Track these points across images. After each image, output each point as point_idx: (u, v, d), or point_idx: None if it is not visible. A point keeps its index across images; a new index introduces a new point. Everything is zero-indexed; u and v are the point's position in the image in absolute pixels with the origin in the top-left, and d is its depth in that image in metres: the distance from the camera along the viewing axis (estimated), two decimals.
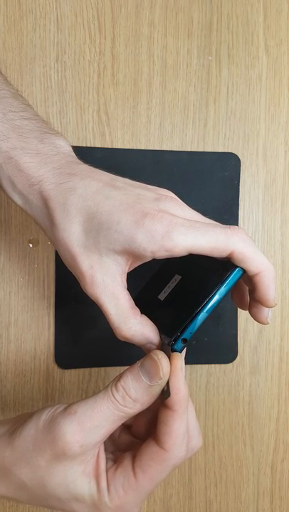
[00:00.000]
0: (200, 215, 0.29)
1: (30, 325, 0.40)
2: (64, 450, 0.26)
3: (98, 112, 0.41)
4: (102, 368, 0.42)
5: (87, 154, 0.40)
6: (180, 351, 0.27)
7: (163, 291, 0.32)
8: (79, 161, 0.31)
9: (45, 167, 0.29)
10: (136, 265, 0.29)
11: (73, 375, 0.41)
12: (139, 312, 0.29)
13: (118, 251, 0.27)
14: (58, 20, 0.41)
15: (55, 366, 0.41)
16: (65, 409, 0.27)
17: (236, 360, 0.43)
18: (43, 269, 0.41)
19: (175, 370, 0.27)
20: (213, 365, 0.43)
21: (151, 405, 0.29)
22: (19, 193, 0.29)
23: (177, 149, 0.42)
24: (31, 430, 0.28)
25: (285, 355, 0.44)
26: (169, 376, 0.27)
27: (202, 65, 0.42)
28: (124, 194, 0.28)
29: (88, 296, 0.29)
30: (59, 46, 0.41)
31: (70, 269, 0.29)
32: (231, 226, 0.27)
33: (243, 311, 0.43)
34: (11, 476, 0.28)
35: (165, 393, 0.27)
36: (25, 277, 0.40)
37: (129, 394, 0.27)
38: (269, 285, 0.28)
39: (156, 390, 0.27)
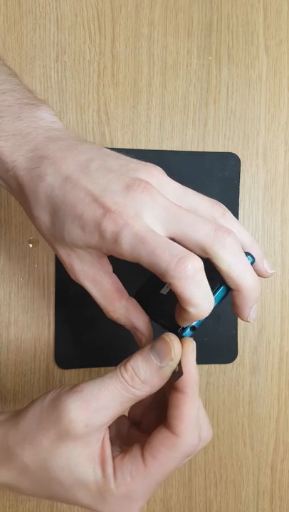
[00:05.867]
0: (183, 206, 0.27)
1: (30, 325, 0.40)
2: (68, 429, 0.25)
3: (98, 112, 0.41)
4: (102, 368, 0.42)
5: None
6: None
7: (165, 286, 0.32)
8: (60, 133, 0.29)
9: (19, 150, 0.28)
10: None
11: (73, 375, 0.41)
12: (126, 295, 0.29)
13: (82, 246, 0.27)
14: (58, 20, 0.41)
15: (55, 366, 0.41)
16: (72, 387, 0.27)
17: (236, 360, 0.43)
18: (42, 269, 0.41)
19: (186, 352, 0.26)
20: (213, 365, 0.43)
21: (162, 400, 0.28)
22: (0, 178, 0.29)
23: (177, 149, 0.42)
24: (36, 410, 0.27)
25: (285, 355, 0.44)
26: (181, 357, 0.26)
27: (202, 65, 0.42)
28: (93, 183, 0.26)
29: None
30: (59, 46, 0.41)
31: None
32: (184, 256, 0.24)
33: None
34: (13, 458, 0.27)
35: (176, 374, 0.26)
36: (25, 277, 0.40)
37: (138, 374, 0.26)
38: (245, 304, 0.27)
39: (167, 371, 0.26)
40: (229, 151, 0.43)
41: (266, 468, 0.44)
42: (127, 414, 0.32)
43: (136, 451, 0.27)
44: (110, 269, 0.29)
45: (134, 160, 0.28)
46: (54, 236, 0.27)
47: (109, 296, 0.28)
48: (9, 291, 0.40)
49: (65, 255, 0.28)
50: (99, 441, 0.26)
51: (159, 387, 0.27)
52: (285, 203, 0.44)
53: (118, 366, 0.27)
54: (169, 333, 0.27)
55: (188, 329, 0.27)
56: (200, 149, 0.42)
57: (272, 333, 0.43)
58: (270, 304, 0.43)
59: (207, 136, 0.43)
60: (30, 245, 0.41)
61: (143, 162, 0.27)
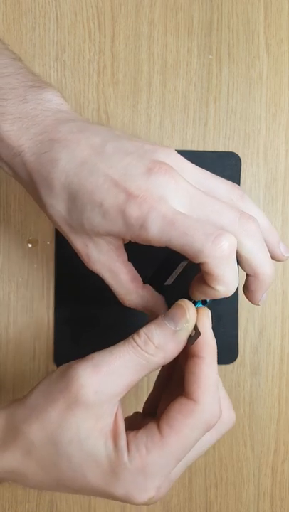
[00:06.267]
0: (202, 188, 0.26)
1: (29, 325, 0.40)
2: (77, 396, 0.24)
3: (98, 111, 0.41)
4: None
5: None
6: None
7: (170, 277, 0.31)
8: (69, 115, 0.28)
9: (26, 134, 0.26)
10: (128, 240, 0.27)
11: None
12: (141, 283, 0.28)
13: (104, 234, 0.26)
14: (57, 19, 0.40)
15: (55, 367, 0.41)
16: (82, 358, 0.25)
17: (237, 360, 0.43)
18: (42, 269, 0.40)
19: (202, 317, 0.26)
20: None
21: (180, 393, 0.26)
22: (6, 164, 0.28)
23: (177, 148, 0.42)
24: (44, 384, 0.26)
25: (286, 356, 0.43)
26: (196, 322, 0.26)
27: (202, 64, 0.42)
28: (111, 167, 0.25)
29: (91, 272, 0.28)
30: (58, 45, 0.40)
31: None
32: (220, 234, 0.23)
33: (244, 311, 0.42)
34: (19, 437, 0.25)
35: (193, 338, 0.26)
36: (25, 277, 0.40)
37: (151, 339, 0.25)
38: (259, 289, 0.26)
39: (182, 335, 0.25)
40: (230, 150, 0.43)
41: (267, 470, 0.43)
42: (141, 411, 0.31)
43: (151, 424, 0.25)
44: (126, 257, 0.28)
45: (148, 142, 0.27)
46: (70, 225, 0.26)
47: (125, 287, 0.27)
48: (8, 291, 0.40)
49: (81, 245, 0.27)
50: (111, 416, 0.25)
51: (175, 355, 0.25)
52: (286, 202, 0.44)
53: (131, 335, 0.26)
54: (183, 299, 0.26)
55: (199, 302, 0.27)
56: (200, 148, 0.42)
57: (272, 334, 0.43)
58: (271, 304, 0.43)
59: (207, 135, 0.42)
60: (30, 245, 0.40)
61: (157, 144, 0.27)
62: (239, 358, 0.43)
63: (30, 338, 0.40)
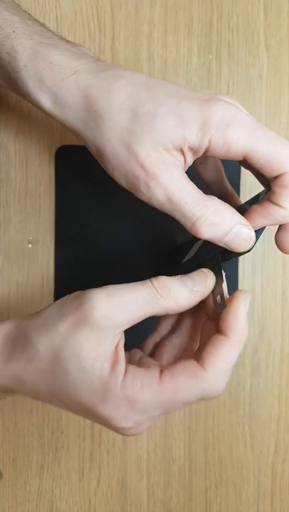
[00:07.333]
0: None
1: None
2: (86, 314, 0.25)
3: None
4: None
5: (87, 154, 0.39)
6: (252, 247, 0.26)
7: (188, 255, 0.31)
8: None
9: (79, 59, 0.27)
10: (189, 164, 0.26)
11: None
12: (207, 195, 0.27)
13: (174, 144, 0.25)
14: (57, 19, 0.40)
15: None
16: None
17: (237, 360, 0.43)
18: (42, 270, 0.40)
19: (238, 304, 0.25)
20: None
21: (179, 334, 0.28)
22: (48, 92, 0.27)
23: None
24: (59, 302, 0.27)
25: (286, 356, 0.43)
26: (232, 307, 0.25)
27: (202, 64, 0.42)
28: (177, 85, 0.26)
29: (148, 203, 0.26)
30: None
31: (123, 172, 0.26)
32: None
33: None
34: (27, 345, 0.26)
35: (220, 305, 0.26)
36: (25, 277, 0.40)
37: (168, 286, 0.25)
38: None
39: (197, 296, 0.26)
40: None
41: (267, 470, 0.43)
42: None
43: (155, 366, 0.26)
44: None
45: None
46: (136, 134, 0.25)
47: (199, 197, 0.26)
48: (8, 291, 0.40)
49: (144, 156, 0.25)
50: (112, 344, 0.25)
51: (184, 309, 0.26)
52: None
53: (149, 279, 0.26)
54: (206, 268, 0.27)
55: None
56: None
57: (272, 334, 0.43)
58: (271, 305, 0.43)
59: None
60: (30, 245, 0.40)
61: None
62: (239, 358, 0.43)
63: None
